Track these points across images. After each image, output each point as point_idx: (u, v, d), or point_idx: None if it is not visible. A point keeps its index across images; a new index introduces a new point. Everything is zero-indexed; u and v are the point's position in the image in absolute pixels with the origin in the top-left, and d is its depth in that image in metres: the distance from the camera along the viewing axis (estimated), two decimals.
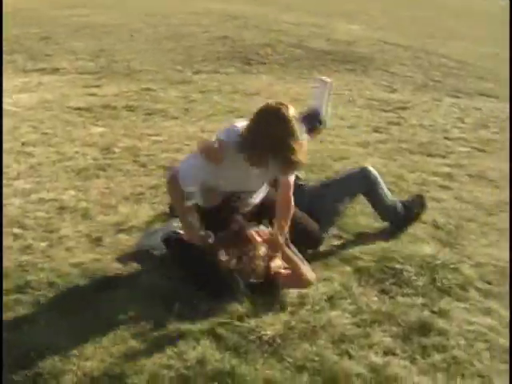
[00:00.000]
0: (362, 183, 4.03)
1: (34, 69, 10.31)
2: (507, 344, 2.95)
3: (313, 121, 4.34)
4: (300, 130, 3.07)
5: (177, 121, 7.14)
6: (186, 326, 2.92)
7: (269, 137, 3.03)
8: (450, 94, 9.41)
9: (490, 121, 7.74)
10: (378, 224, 4.17)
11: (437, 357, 2.83)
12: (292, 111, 3.07)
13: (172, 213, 4.25)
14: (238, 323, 2.94)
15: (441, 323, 3.06)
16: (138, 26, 14.16)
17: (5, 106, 7.15)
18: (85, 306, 3.12)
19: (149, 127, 6.82)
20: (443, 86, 10.09)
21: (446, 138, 6.77)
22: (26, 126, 6.56)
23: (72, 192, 4.69)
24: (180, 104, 7.97)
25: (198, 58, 11.34)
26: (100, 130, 6.65)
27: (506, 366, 2.81)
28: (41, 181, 4.91)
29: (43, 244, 3.82)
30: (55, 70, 10.21)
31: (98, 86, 9.12)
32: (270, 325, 2.94)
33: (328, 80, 4.40)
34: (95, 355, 2.74)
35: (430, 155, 6.06)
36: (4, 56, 10.54)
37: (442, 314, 3.15)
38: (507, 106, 8.79)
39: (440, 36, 16.67)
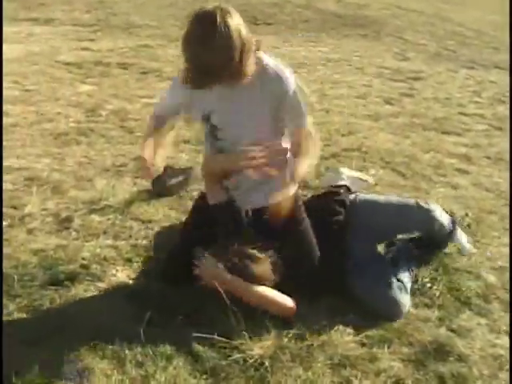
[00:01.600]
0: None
1: (26, 18, 9.74)
2: None
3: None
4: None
5: None
6: (156, 341, 2.41)
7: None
8: (465, 65, 8.85)
9: (507, 96, 7.20)
10: None
11: None
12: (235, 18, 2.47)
13: (155, 189, 3.77)
14: (218, 339, 2.44)
15: (460, 345, 2.57)
16: None
17: None
18: (36, 308, 2.61)
19: (141, 88, 6.31)
20: (457, 56, 9.52)
21: (461, 113, 6.25)
22: (7, 80, 5.97)
23: (46, 160, 4.18)
24: (178, 63, 7.41)
25: None
26: (88, 88, 6.15)
27: None
28: (12, 145, 4.37)
29: (3, 223, 3.31)
30: (48, 21, 9.67)
31: (92, 40, 8.60)
32: (258, 342, 2.43)
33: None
34: (38, 375, 2.22)
35: (445, 132, 5.55)
36: None
37: (462, 332, 2.66)
38: None
39: (455, 2, 16.00)
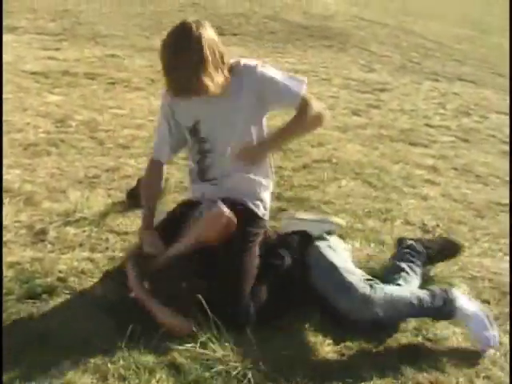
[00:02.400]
0: None
1: None
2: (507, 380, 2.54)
3: None
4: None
5: (141, 92, 6.61)
6: (138, 354, 2.40)
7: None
8: (429, 77, 9.01)
9: (471, 108, 7.37)
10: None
11: None
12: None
13: (129, 202, 3.76)
14: (201, 351, 2.44)
15: (437, 354, 2.62)
16: None
17: None
18: (15, 322, 2.58)
19: (110, 98, 6.29)
20: (421, 68, 9.69)
21: (427, 125, 6.37)
22: None
23: (17, 171, 4.14)
24: (146, 73, 7.42)
25: (167, 24, 10.73)
26: (56, 98, 6.10)
27: None
28: None
29: None
30: (12, 29, 9.52)
31: (58, 49, 8.52)
32: (240, 354, 2.45)
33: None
34: None
35: (412, 144, 5.65)
36: None
37: (438, 341, 2.71)
38: (486, 92, 8.45)
39: (417, 15, 16.26)
